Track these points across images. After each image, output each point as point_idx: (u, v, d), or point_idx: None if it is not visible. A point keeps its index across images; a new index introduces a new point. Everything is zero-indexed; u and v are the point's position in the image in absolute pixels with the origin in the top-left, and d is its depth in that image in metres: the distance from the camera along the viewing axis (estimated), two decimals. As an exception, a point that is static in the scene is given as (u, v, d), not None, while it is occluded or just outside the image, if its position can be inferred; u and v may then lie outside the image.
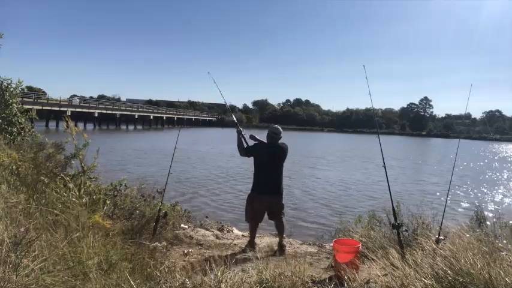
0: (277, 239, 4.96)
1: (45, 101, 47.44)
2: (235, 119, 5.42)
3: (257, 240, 5.27)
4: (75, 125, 5.31)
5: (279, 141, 4.94)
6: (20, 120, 7.48)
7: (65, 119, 5.30)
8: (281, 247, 4.79)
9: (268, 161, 4.82)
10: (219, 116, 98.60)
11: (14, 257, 2.06)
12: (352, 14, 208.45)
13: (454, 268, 2.53)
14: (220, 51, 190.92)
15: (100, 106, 57.51)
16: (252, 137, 5.06)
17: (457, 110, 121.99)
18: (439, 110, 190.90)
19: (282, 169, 4.91)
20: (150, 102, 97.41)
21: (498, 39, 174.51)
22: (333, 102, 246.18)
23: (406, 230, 4.17)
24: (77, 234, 2.92)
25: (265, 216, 4.92)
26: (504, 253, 2.84)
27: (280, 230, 4.91)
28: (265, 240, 5.42)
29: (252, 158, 4.94)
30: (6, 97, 7.28)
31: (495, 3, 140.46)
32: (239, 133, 4.98)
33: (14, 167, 4.58)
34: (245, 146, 4.97)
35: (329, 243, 5.30)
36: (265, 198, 4.79)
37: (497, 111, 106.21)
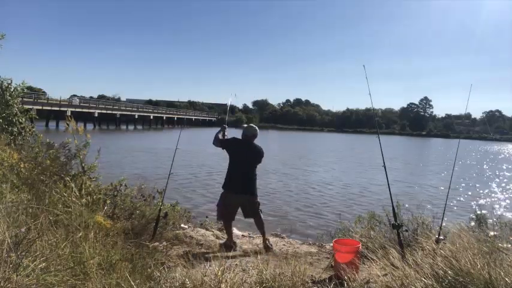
0: (275, 238, 4.97)
1: (45, 101, 47.39)
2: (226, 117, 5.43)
3: (257, 240, 5.27)
4: (76, 125, 5.32)
5: (257, 144, 4.96)
6: (20, 120, 7.49)
7: (68, 119, 5.30)
8: (265, 244, 4.80)
9: (244, 159, 4.82)
10: (219, 116, 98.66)
11: (14, 257, 2.06)
12: (351, 14, 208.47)
13: (454, 268, 2.53)
14: (220, 51, 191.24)
15: (100, 106, 57.48)
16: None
17: (457, 110, 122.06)
18: (439, 110, 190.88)
19: (255, 169, 4.90)
20: (150, 102, 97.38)
21: (498, 39, 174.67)
22: (333, 102, 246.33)
23: (406, 230, 4.17)
24: (78, 235, 2.92)
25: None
26: (504, 253, 2.85)
27: (260, 228, 4.90)
28: (266, 240, 5.42)
29: (228, 157, 4.94)
30: (7, 97, 7.28)
31: (495, 3, 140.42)
32: (223, 128, 5.04)
33: (15, 167, 4.59)
34: (220, 137, 4.99)
35: (329, 243, 5.31)
36: (236, 198, 4.79)
37: (497, 111, 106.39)
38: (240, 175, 4.79)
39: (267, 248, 4.77)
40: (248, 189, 4.81)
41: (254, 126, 5.01)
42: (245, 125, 5.13)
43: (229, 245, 4.73)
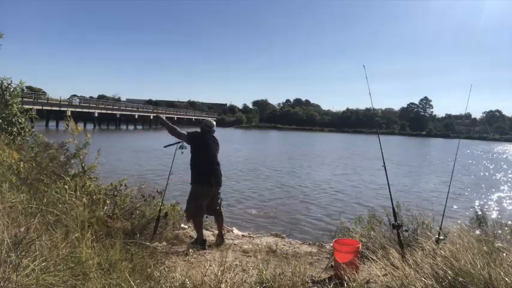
0: (275, 238, 4.96)
1: (45, 101, 47.40)
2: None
3: (257, 240, 5.27)
4: (75, 125, 5.31)
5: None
6: (20, 120, 7.48)
7: (67, 119, 5.30)
8: (221, 237, 4.94)
9: (211, 152, 4.86)
10: (219, 116, 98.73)
11: (14, 257, 2.06)
12: (352, 14, 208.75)
13: (454, 268, 2.53)
14: (220, 51, 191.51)
15: (100, 106, 57.47)
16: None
17: (457, 110, 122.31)
18: (439, 110, 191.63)
19: None
20: (150, 102, 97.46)
21: (498, 39, 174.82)
22: (333, 102, 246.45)
23: (406, 230, 4.17)
24: (77, 235, 2.92)
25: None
26: (504, 253, 2.84)
27: (220, 223, 5.00)
28: (265, 240, 5.42)
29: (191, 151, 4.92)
30: (7, 97, 7.28)
31: (495, 3, 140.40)
32: (167, 122, 5.05)
33: (14, 166, 4.58)
34: (178, 131, 4.91)
35: (329, 243, 5.30)
36: (211, 190, 4.80)
37: (497, 111, 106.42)
38: (212, 167, 4.82)
39: (222, 237, 4.95)
40: (219, 181, 4.88)
41: (212, 120, 5.15)
42: (202, 118, 5.22)
43: (202, 240, 4.72)
